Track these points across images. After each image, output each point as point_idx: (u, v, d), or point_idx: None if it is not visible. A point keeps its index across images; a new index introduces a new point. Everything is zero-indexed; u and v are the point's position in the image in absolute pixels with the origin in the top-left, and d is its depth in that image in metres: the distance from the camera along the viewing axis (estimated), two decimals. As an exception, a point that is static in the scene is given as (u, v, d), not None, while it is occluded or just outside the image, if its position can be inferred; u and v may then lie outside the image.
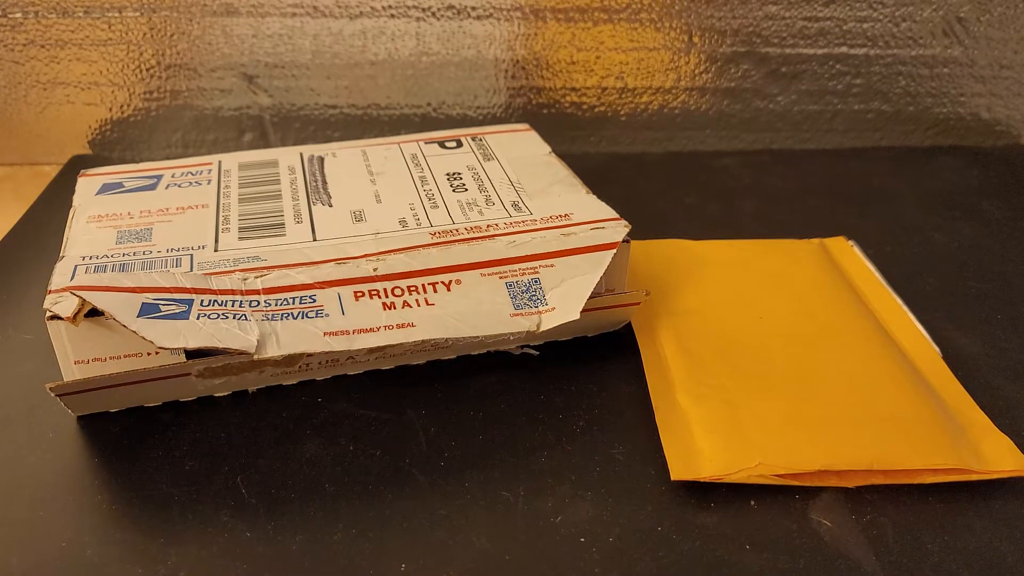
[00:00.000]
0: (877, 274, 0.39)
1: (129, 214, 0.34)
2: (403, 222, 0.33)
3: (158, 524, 0.27)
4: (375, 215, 0.33)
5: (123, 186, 0.36)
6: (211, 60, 0.50)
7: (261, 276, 0.30)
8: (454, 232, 0.32)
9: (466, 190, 0.35)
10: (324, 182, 0.36)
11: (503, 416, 0.32)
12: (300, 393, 0.32)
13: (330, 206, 0.34)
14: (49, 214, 0.45)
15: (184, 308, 0.28)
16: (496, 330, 0.30)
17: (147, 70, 0.50)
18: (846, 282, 0.39)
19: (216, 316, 0.28)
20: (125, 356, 0.29)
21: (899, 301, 0.38)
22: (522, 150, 0.39)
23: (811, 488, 0.29)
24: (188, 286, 0.29)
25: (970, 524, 0.28)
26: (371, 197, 0.35)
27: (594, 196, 0.35)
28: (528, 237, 0.32)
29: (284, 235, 0.32)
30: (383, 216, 0.33)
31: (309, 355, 0.30)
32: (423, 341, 0.29)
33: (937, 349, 0.35)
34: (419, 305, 0.30)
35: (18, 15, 0.48)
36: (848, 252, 0.41)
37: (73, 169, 0.50)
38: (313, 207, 0.34)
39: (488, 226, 0.32)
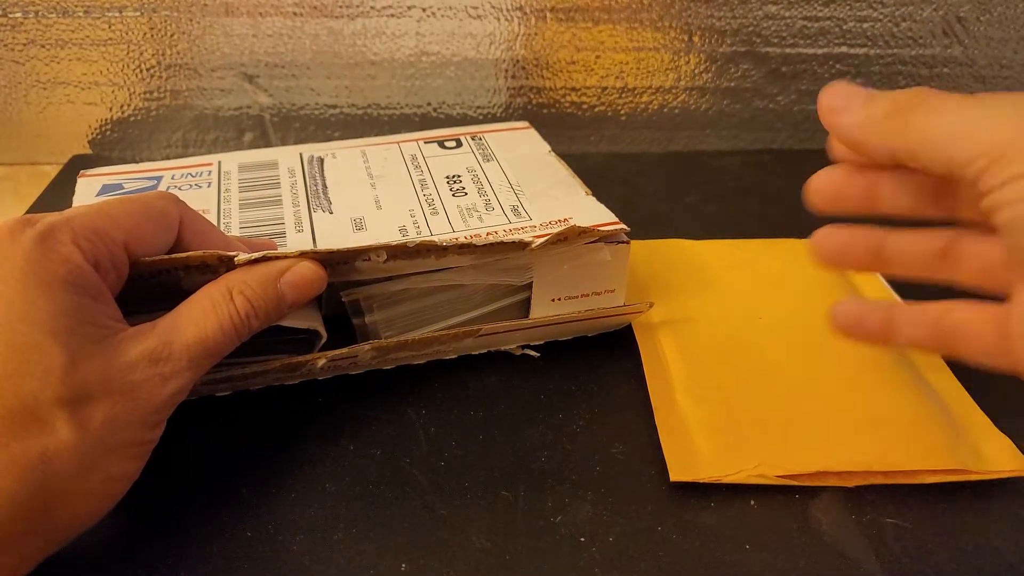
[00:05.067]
0: (879, 275, 0.39)
1: (129, 214, 0.34)
2: (403, 230, 0.33)
3: (158, 524, 0.27)
4: (375, 223, 0.33)
5: (123, 188, 0.36)
6: (211, 60, 0.50)
7: None
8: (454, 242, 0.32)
9: (466, 194, 0.35)
10: (324, 187, 0.36)
11: (503, 416, 0.32)
12: (301, 393, 0.32)
13: (331, 212, 0.34)
14: (49, 214, 0.45)
15: None
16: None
17: (147, 70, 0.50)
18: (847, 282, 0.39)
19: None
20: None
21: (900, 301, 0.38)
22: (522, 150, 0.39)
23: (811, 488, 0.29)
24: None
25: (970, 524, 0.28)
26: (371, 203, 0.34)
27: (593, 198, 0.35)
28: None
29: (286, 245, 0.32)
30: (383, 224, 0.33)
31: (313, 362, 0.30)
32: (427, 336, 0.29)
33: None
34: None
35: (18, 15, 0.48)
36: None
37: (73, 169, 0.50)
38: (314, 214, 0.34)
39: (488, 234, 0.32)
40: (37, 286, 0.22)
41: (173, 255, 0.26)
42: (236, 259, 0.27)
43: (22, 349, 0.21)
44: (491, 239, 0.30)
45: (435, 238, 0.31)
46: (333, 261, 0.28)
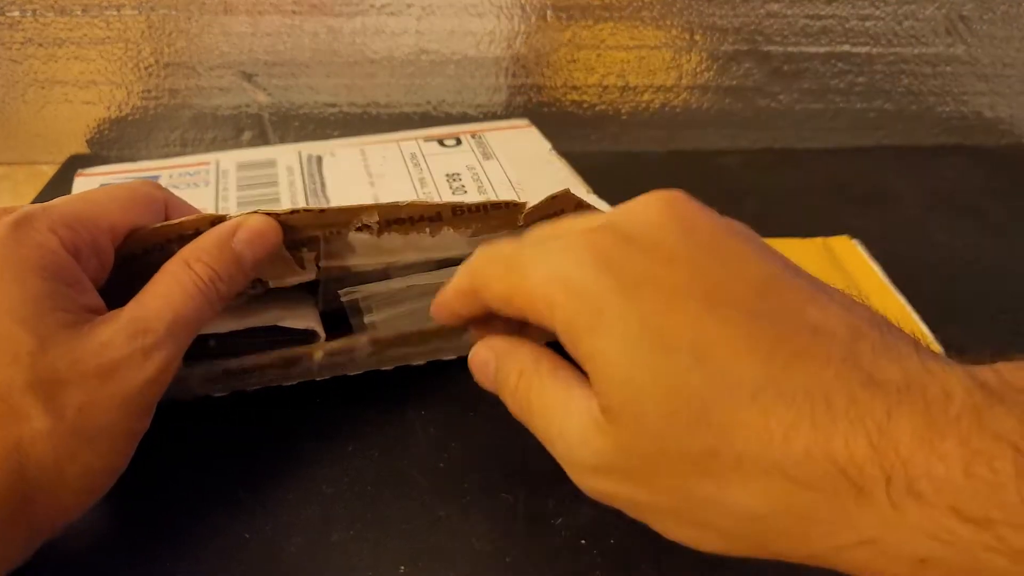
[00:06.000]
0: (881, 274, 0.39)
1: (126, 213, 0.33)
2: None
3: (156, 524, 0.27)
4: None
5: (120, 185, 0.36)
6: (210, 58, 0.50)
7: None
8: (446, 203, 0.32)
9: (466, 192, 0.35)
10: (323, 185, 0.36)
11: (503, 417, 0.31)
12: (299, 394, 0.32)
13: None
14: (47, 213, 0.44)
15: None
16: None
17: (145, 68, 0.50)
18: (850, 282, 0.38)
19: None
20: None
21: (903, 301, 0.37)
22: (522, 148, 0.39)
23: (814, 489, 0.28)
24: None
25: (975, 526, 0.27)
26: (370, 202, 0.34)
27: (595, 196, 0.35)
28: None
29: None
30: None
31: (310, 355, 0.29)
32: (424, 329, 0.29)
33: (940, 349, 0.35)
34: None
35: (16, 13, 0.48)
36: (852, 251, 0.41)
37: (71, 168, 0.50)
38: None
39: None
40: (8, 272, 0.22)
41: (167, 223, 0.26)
42: (227, 218, 0.26)
43: None
44: (484, 200, 0.30)
45: (426, 199, 0.30)
46: (324, 225, 0.28)
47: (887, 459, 0.15)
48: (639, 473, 0.19)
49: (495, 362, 0.24)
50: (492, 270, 0.23)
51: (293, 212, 0.27)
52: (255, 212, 0.27)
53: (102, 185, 0.36)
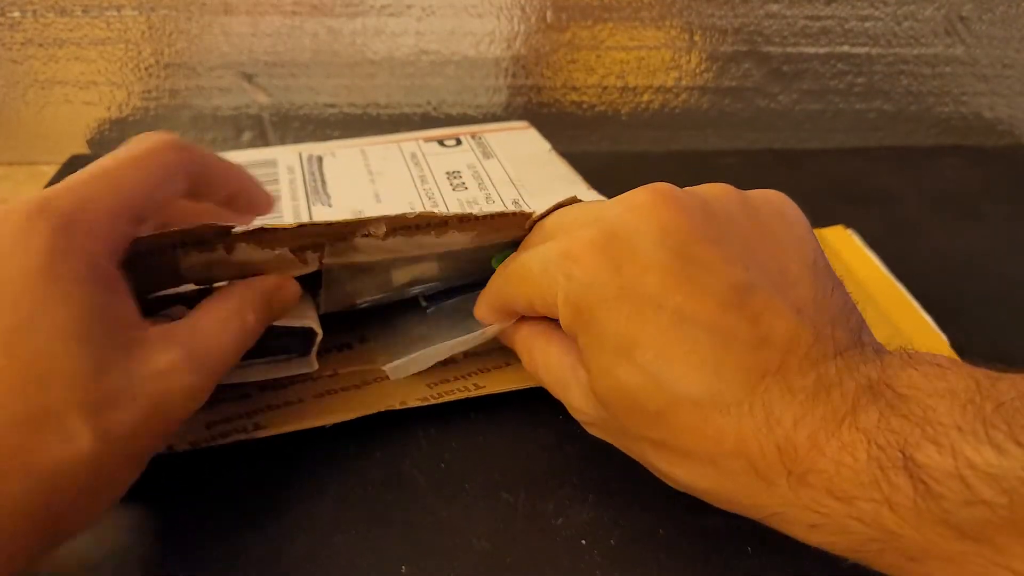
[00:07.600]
0: (879, 263, 0.39)
1: (127, 214, 0.33)
2: None
3: (158, 526, 0.27)
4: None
5: (121, 185, 0.36)
6: (210, 59, 0.50)
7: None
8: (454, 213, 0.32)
9: (466, 189, 0.35)
10: (323, 182, 0.36)
11: (504, 417, 0.31)
12: (299, 394, 0.32)
13: (329, 207, 0.34)
14: (47, 214, 0.44)
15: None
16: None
17: (146, 69, 0.50)
18: (847, 272, 0.38)
19: None
20: None
21: (903, 289, 0.37)
22: (522, 148, 0.39)
23: (814, 490, 0.28)
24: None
25: (974, 526, 0.27)
26: (371, 197, 0.34)
27: (595, 192, 0.35)
28: None
29: None
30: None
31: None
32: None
33: (944, 337, 0.34)
34: None
35: (16, 14, 0.48)
36: (847, 241, 0.41)
37: (71, 169, 0.49)
38: (313, 208, 0.34)
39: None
40: (61, 285, 0.21)
41: (170, 230, 0.26)
42: (233, 231, 0.26)
43: (48, 355, 0.20)
44: (492, 210, 0.30)
45: (435, 210, 0.30)
46: (331, 236, 0.28)
47: (788, 459, 0.21)
48: (616, 437, 0.26)
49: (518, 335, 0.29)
50: (510, 290, 0.28)
51: (300, 227, 0.27)
52: (263, 228, 0.26)
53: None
